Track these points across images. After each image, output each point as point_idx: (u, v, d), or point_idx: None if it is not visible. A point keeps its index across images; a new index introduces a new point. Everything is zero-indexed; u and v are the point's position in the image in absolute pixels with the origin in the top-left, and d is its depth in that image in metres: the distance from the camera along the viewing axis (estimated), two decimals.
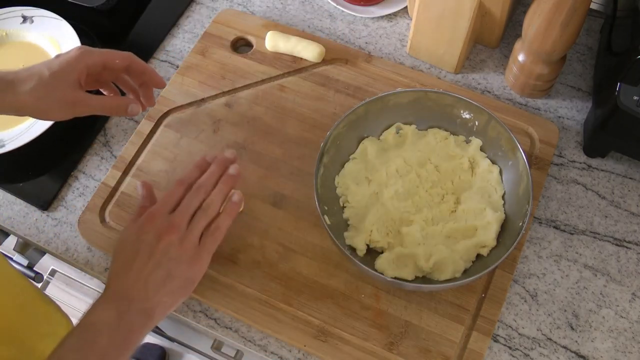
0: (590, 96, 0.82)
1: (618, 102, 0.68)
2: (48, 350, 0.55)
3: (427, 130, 0.76)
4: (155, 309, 0.59)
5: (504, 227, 0.69)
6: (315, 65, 0.84)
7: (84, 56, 0.67)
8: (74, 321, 0.76)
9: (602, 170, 0.77)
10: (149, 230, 0.61)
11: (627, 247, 0.72)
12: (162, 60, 0.88)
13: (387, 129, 0.76)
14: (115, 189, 0.77)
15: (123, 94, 0.75)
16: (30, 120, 0.81)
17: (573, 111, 0.81)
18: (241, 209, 0.73)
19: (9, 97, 0.64)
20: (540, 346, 0.67)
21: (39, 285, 1.14)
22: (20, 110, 0.66)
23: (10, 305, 0.71)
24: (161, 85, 0.74)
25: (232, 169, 0.67)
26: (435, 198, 0.71)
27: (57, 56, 0.67)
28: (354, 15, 0.90)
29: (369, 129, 0.75)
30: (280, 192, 0.75)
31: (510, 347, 0.67)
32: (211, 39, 0.87)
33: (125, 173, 0.78)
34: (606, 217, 0.74)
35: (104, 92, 0.74)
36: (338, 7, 0.90)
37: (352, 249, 0.69)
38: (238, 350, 0.98)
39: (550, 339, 0.68)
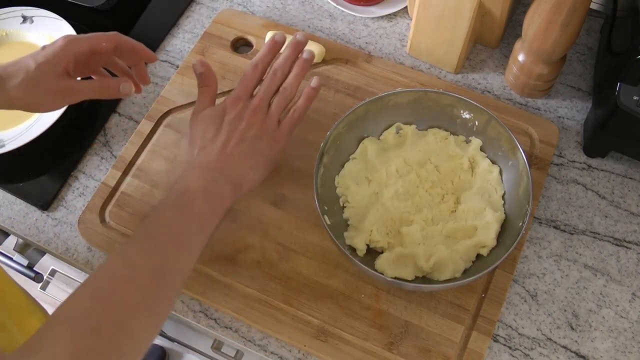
0: (590, 96, 0.82)
1: (618, 102, 0.68)
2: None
3: (427, 130, 0.76)
4: (242, 180, 0.65)
5: (504, 227, 0.69)
6: (315, 65, 0.84)
7: (69, 45, 0.66)
8: None
9: (602, 170, 0.77)
10: (232, 112, 0.67)
11: (627, 247, 0.72)
12: (162, 60, 0.88)
13: (387, 129, 0.76)
14: (115, 189, 0.77)
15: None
16: (30, 120, 0.81)
17: (573, 111, 0.81)
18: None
19: None
20: (540, 346, 0.67)
21: (39, 285, 1.14)
22: (10, 105, 0.66)
23: None
24: (152, 59, 0.73)
25: (306, 53, 0.71)
26: (435, 198, 0.71)
27: (43, 47, 0.67)
28: (354, 15, 0.90)
29: (369, 129, 0.75)
30: (280, 192, 0.75)
31: (510, 347, 0.68)
32: (211, 39, 0.87)
33: (125, 173, 0.78)
34: (606, 217, 0.74)
35: (95, 78, 0.74)
36: (338, 7, 0.90)
37: (352, 249, 0.69)
38: (238, 350, 0.98)
39: (550, 339, 0.68)
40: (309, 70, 0.72)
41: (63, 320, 0.51)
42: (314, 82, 0.71)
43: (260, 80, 0.71)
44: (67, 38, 0.67)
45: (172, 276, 0.57)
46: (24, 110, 0.69)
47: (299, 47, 0.71)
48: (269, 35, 0.84)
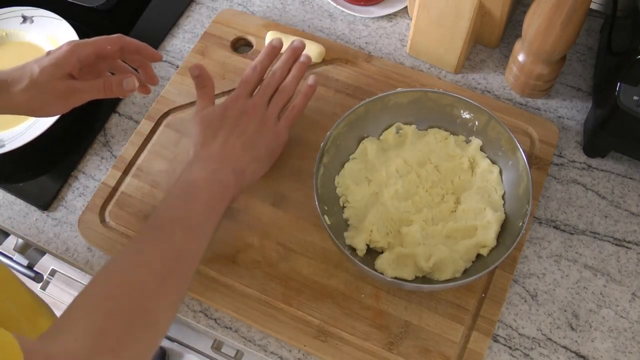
0: (590, 96, 0.82)
1: (618, 102, 0.68)
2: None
3: (427, 130, 0.76)
4: (245, 170, 0.67)
5: (504, 227, 0.69)
6: (315, 65, 0.84)
7: (74, 49, 0.67)
8: None
9: (602, 170, 0.77)
10: (233, 109, 0.70)
11: (627, 247, 0.72)
12: (162, 60, 0.88)
13: (387, 129, 0.76)
14: (115, 189, 0.77)
15: None
16: (30, 120, 0.81)
17: (573, 111, 0.81)
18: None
19: (3, 97, 0.65)
20: (540, 346, 0.67)
21: (39, 285, 1.14)
22: (15, 110, 0.67)
23: None
24: (157, 58, 0.74)
25: (303, 57, 0.75)
26: (435, 198, 0.71)
27: (48, 53, 0.68)
28: (354, 15, 0.90)
29: (369, 129, 0.75)
30: (280, 192, 0.75)
31: (510, 347, 0.68)
32: (211, 39, 0.87)
33: (125, 173, 0.78)
34: (606, 217, 0.74)
35: None
36: (338, 7, 0.90)
37: (352, 249, 0.69)
38: (238, 350, 0.98)
39: (550, 339, 0.68)
40: (306, 71, 0.76)
41: (82, 305, 0.52)
42: (310, 80, 0.74)
43: (259, 82, 0.74)
44: (72, 43, 0.68)
45: (185, 260, 0.59)
46: (29, 115, 0.69)
47: (296, 52, 0.75)
48: (268, 35, 0.84)
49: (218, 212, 0.63)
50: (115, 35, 0.70)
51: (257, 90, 0.73)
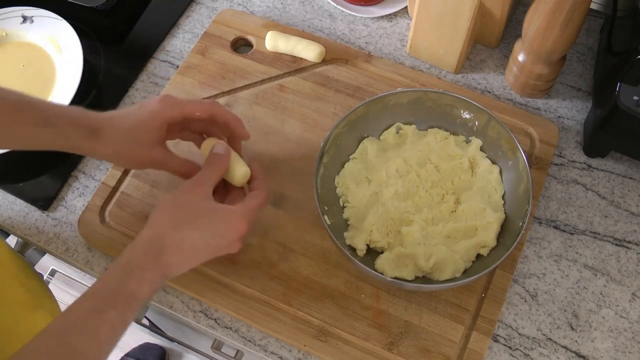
0: (590, 96, 0.82)
1: (618, 102, 0.68)
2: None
3: (427, 130, 0.76)
4: (173, 272, 0.60)
5: (504, 227, 0.69)
6: (315, 65, 0.84)
7: (163, 111, 0.65)
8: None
9: (602, 170, 0.77)
10: (200, 192, 0.62)
11: (627, 247, 0.72)
12: (162, 60, 0.88)
13: (387, 129, 0.76)
14: (115, 189, 0.77)
15: None
16: None
17: (573, 111, 0.81)
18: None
19: (90, 145, 0.64)
20: (540, 346, 0.67)
21: None
22: (99, 158, 0.71)
23: None
24: (245, 137, 0.69)
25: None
26: (435, 198, 0.71)
27: (140, 106, 0.65)
28: (354, 15, 0.90)
29: (369, 129, 0.75)
30: (280, 192, 0.75)
31: (510, 347, 0.67)
32: (211, 39, 0.87)
33: (125, 173, 0.77)
34: (606, 217, 0.74)
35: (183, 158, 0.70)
36: (338, 7, 0.90)
37: (352, 249, 0.69)
38: (238, 350, 0.98)
39: (550, 339, 0.68)
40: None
41: None
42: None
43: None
44: (163, 101, 0.65)
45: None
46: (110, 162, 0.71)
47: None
48: (269, 35, 0.84)
49: (127, 321, 0.57)
50: (208, 101, 0.68)
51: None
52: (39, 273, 0.81)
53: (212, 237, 0.61)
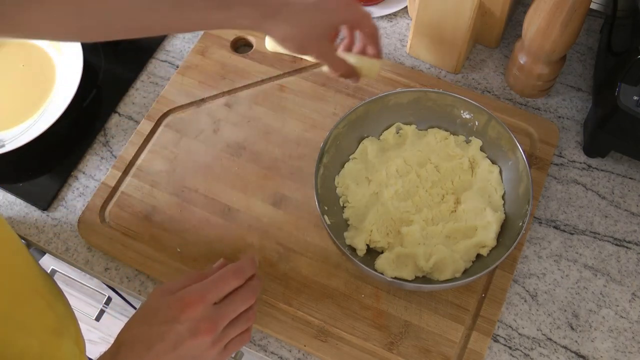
0: (590, 96, 0.82)
1: (618, 102, 0.68)
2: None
3: (427, 130, 0.76)
4: None
5: (504, 227, 0.69)
6: (315, 65, 0.84)
7: (339, 9, 0.65)
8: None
9: (602, 170, 0.77)
10: (188, 319, 0.55)
11: (627, 247, 0.72)
12: (162, 60, 0.88)
13: (387, 129, 0.76)
14: (115, 189, 0.77)
15: None
16: (30, 120, 0.81)
17: (573, 111, 0.81)
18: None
19: (268, 26, 0.64)
20: (540, 346, 0.67)
21: None
22: (274, 37, 0.66)
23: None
24: (377, 55, 0.70)
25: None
26: (435, 198, 0.71)
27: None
28: None
29: (369, 129, 0.75)
30: (280, 192, 0.75)
31: (510, 347, 0.67)
32: (211, 38, 0.87)
33: (125, 173, 0.78)
34: (606, 217, 0.74)
35: None
36: None
37: (352, 249, 0.69)
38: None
39: (550, 339, 0.68)
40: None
41: None
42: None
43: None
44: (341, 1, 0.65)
45: None
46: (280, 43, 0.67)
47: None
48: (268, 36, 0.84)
49: None
50: (367, 12, 0.67)
51: (225, 306, 0.59)
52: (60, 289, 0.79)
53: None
